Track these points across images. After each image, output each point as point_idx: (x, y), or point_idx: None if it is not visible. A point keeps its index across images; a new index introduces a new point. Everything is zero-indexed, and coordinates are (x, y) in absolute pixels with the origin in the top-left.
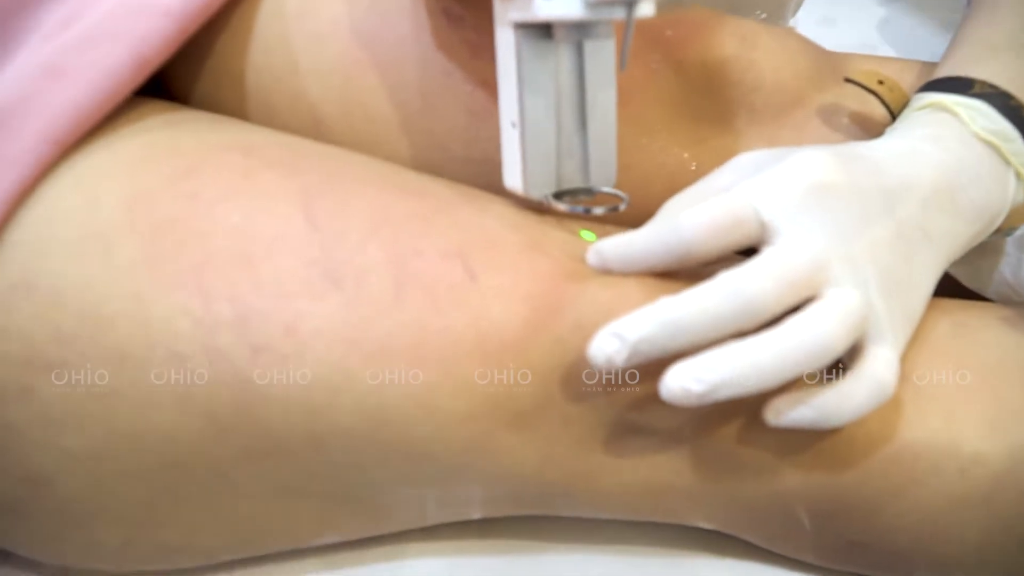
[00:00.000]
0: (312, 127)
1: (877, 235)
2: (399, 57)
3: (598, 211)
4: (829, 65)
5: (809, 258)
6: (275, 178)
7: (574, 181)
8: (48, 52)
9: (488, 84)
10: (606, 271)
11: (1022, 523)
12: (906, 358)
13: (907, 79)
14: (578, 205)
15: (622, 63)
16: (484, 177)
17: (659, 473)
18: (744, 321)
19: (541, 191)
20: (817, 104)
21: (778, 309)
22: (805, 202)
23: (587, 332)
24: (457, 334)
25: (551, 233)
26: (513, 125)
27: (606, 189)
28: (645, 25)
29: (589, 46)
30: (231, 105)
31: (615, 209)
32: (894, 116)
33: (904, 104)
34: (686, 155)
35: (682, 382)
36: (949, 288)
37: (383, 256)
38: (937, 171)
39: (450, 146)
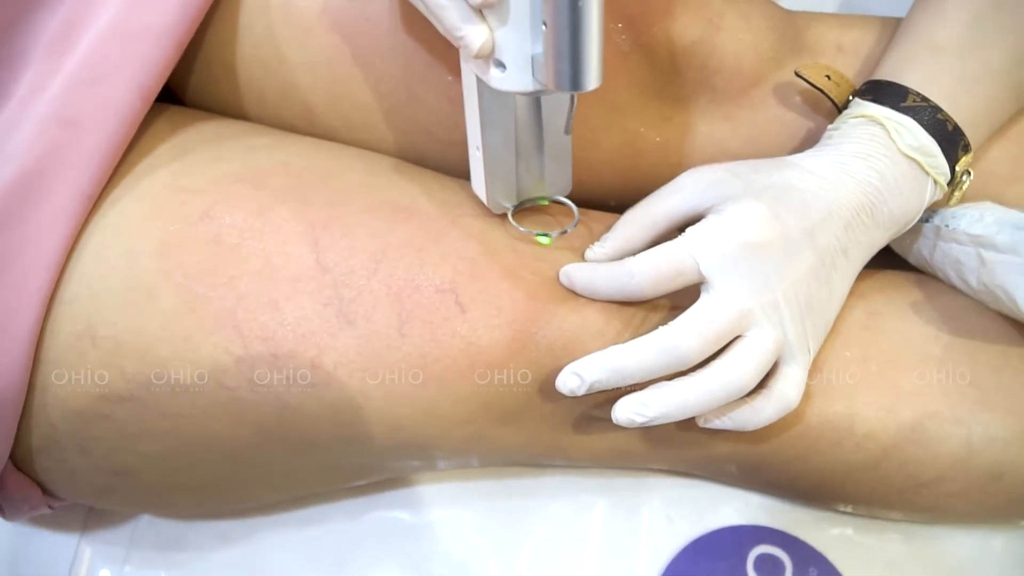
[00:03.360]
0: (304, 116)
1: (799, 273)
2: (383, 50)
3: (551, 235)
4: (790, 37)
5: (733, 313)
6: (286, 214)
7: (532, 192)
8: (58, 97)
9: None
10: (573, 291)
11: (901, 480)
12: (821, 351)
13: (867, 43)
14: (533, 229)
15: (566, 128)
16: (463, 155)
17: (617, 445)
18: (675, 369)
19: (501, 206)
20: (774, 83)
21: (704, 357)
22: (736, 259)
23: (558, 354)
24: (452, 359)
25: (522, 251)
26: (477, 148)
27: (560, 199)
28: (615, 6)
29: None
30: (226, 97)
31: (564, 232)
32: (839, 109)
33: (850, 92)
34: (651, 132)
35: (627, 414)
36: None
37: (386, 291)
38: (861, 193)
39: (433, 131)
